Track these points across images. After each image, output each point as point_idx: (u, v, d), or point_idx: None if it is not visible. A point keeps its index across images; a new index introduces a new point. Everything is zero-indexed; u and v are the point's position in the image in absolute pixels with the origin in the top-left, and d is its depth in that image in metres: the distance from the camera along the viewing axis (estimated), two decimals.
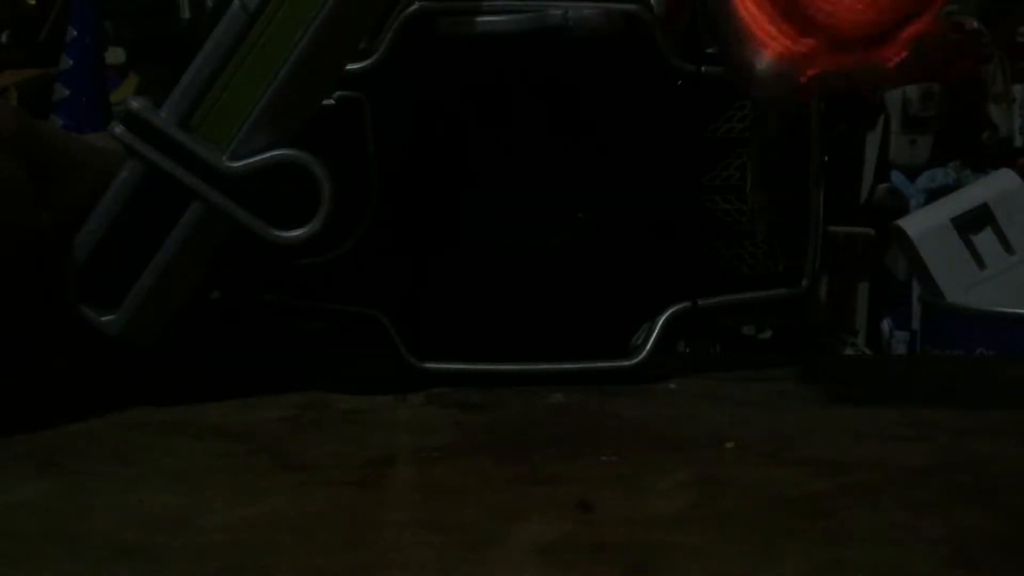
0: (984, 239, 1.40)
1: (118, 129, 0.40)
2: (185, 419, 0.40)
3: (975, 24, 1.86)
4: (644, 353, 0.46)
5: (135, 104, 0.41)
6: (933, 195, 1.69)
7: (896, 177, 1.81)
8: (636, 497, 0.33)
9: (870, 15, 0.36)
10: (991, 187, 1.44)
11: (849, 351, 1.76)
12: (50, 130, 0.43)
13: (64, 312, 0.41)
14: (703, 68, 0.45)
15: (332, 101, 0.43)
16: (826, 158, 0.48)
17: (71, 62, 1.41)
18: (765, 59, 0.36)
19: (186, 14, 1.72)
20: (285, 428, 0.40)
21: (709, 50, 0.46)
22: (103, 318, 0.41)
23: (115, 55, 1.62)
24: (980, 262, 1.40)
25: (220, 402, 0.42)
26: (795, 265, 0.46)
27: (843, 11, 0.36)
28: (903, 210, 1.69)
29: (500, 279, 0.45)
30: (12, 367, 0.40)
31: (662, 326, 0.46)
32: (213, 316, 0.48)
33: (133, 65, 1.64)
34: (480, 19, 0.44)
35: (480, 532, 0.30)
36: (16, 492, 0.33)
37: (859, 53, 0.36)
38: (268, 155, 0.40)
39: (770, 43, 0.36)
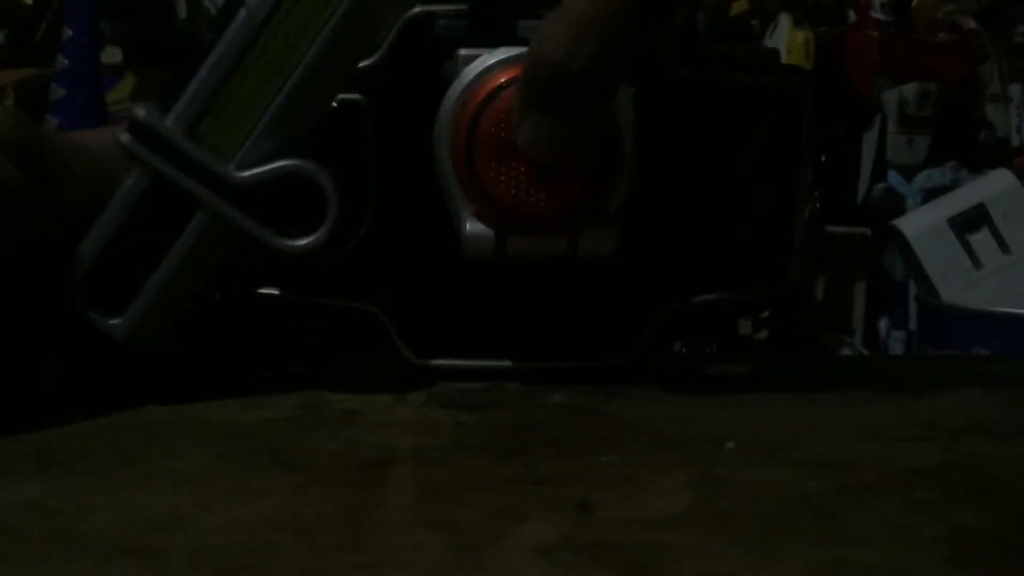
0: (981, 239, 1.41)
1: (124, 137, 0.40)
2: (185, 419, 0.40)
3: (972, 24, 1.87)
4: (637, 352, 0.46)
5: (141, 112, 0.40)
6: (930, 195, 1.69)
7: (893, 177, 1.81)
8: (636, 497, 0.33)
9: (546, 205, 0.41)
10: (988, 187, 1.45)
11: (846, 351, 1.76)
12: (48, 134, 0.43)
13: (66, 316, 0.41)
14: (700, 71, 0.45)
15: (333, 103, 0.43)
16: (822, 158, 0.48)
17: (67, 62, 1.41)
18: (467, 222, 0.42)
19: (182, 14, 1.73)
20: (285, 428, 0.40)
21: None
22: (109, 322, 0.41)
23: (112, 55, 1.62)
24: (977, 262, 1.40)
25: (220, 402, 0.42)
26: (781, 263, 0.47)
27: (523, 200, 0.41)
28: (900, 210, 1.70)
29: (497, 277, 0.46)
30: (12, 369, 0.40)
31: (655, 325, 0.46)
32: (212, 315, 0.48)
33: (130, 65, 1.65)
34: None
35: (480, 532, 0.30)
36: (16, 492, 0.33)
37: (544, 227, 0.42)
38: (275, 165, 0.40)
39: (472, 208, 0.42)
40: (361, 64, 0.44)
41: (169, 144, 0.40)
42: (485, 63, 0.42)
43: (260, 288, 0.46)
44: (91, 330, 0.41)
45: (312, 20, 0.40)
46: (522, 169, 0.42)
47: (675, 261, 0.46)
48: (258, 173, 0.40)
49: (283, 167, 0.40)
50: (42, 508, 0.32)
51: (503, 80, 0.42)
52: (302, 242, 0.41)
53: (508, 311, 0.46)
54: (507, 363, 0.46)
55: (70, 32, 1.41)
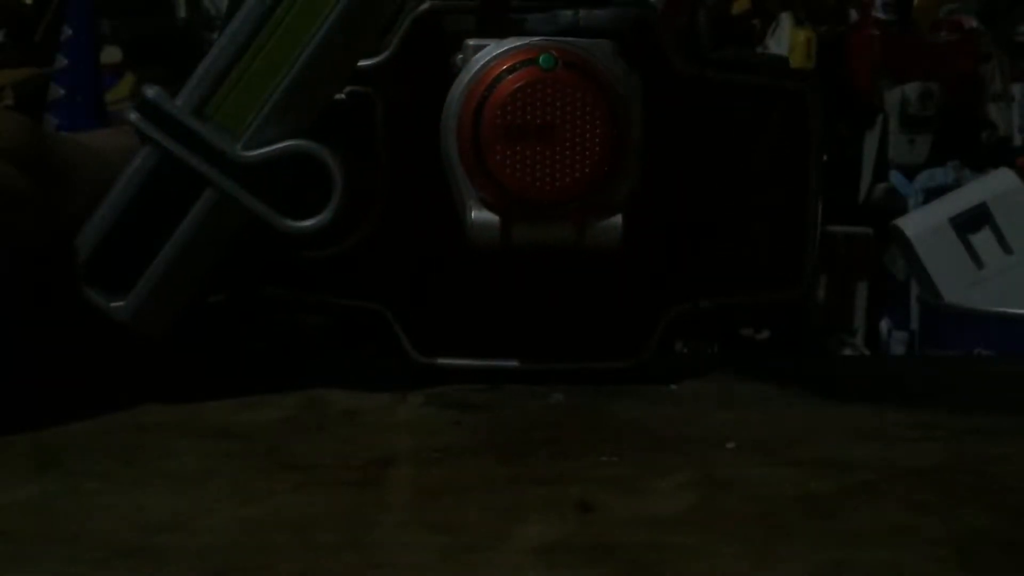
0: (982, 239, 1.41)
1: (133, 115, 0.41)
2: (185, 419, 0.40)
3: (974, 23, 1.87)
4: (645, 354, 0.46)
5: (150, 92, 0.41)
6: (931, 195, 1.69)
7: (895, 177, 1.81)
8: (636, 497, 0.33)
9: (552, 190, 0.42)
10: (990, 187, 1.45)
11: (848, 351, 1.76)
12: (53, 137, 0.43)
13: (67, 316, 0.41)
14: (706, 71, 0.45)
15: (342, 96, 0.43)
16: (824, 157, 0.48)
17: (66, 61, 1.41)
18: (473, 209, 0.42)
19: (182, 14, 1.73)
20: (285, 428, 0.40)
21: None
22: (112, 304, 0.41)
23: (111, 54, 1.63)
24: (978, 262, 1.40)
25: (220, 402, 0.42)
26: (792, 267, 0.47)
27: (528, 185, 0.42)
28: (902, 210, 1.70)
29: (504, 277, 0.46)
30: (13, 368, 0.40)
31: (663, 327, 0.46)
32: (216, 310, 0.48)
33: (129, 64, 1.65)
34: None
35: (480, 532, 0.30)
36: (16, 492, 0.33)
37: (549, 215, 0.42)
38: (282, 145, 0.41)
39: (477, 196, 0.42)
40: (372, 60, 0.44)
41: (177, 123, 0.40)
42: (492, 52, 0.43)
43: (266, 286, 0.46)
44: (91, 328, 0.41)
45: (321, 3, 0.40)
46: (527, 155, 0.42)
47: (683, 263, 0.46)
48: (264, 153, 0.41)
49: (289, 147, 0.41)
50: (42, 508, 0.32)
51: (508, 65, 0.42)
52: (307, 223, 0.41)
53: (515, 311, 0.46)
54: (513, 363, 0.46)
55: (70, 31, 1.41)
